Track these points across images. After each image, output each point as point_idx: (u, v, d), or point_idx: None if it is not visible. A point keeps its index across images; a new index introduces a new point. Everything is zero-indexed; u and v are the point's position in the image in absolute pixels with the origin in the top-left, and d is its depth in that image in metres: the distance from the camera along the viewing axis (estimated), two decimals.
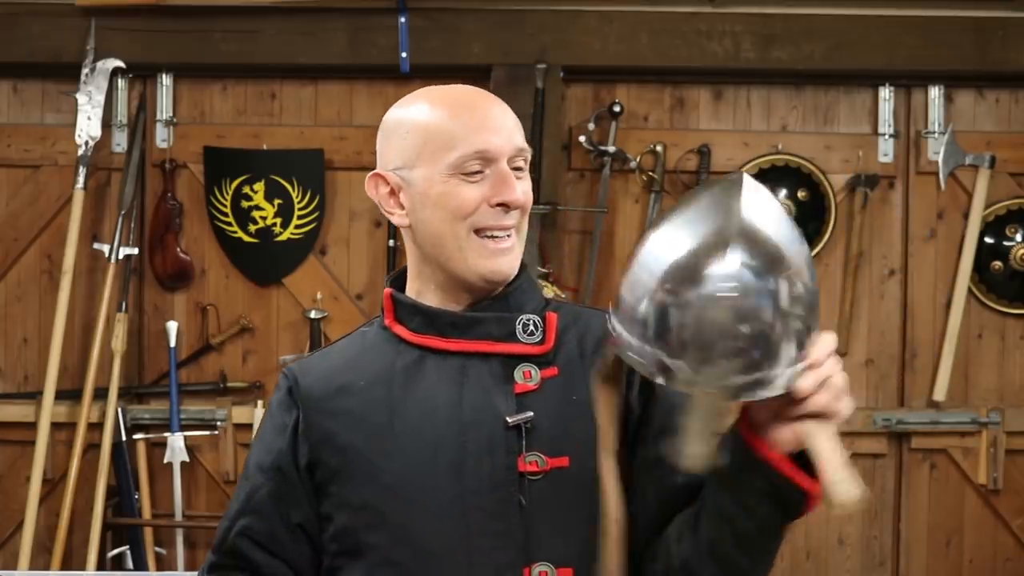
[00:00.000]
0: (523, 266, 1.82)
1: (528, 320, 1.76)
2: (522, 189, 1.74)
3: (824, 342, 1.51)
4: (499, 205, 1.73)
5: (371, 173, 1.81)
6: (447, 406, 1.73)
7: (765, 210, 1.50)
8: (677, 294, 1.47)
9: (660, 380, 1.51)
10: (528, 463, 1.70)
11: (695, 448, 1.51)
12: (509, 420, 1.70)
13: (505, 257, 1.75)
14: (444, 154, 1.73)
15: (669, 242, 1.50)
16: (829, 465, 1.48)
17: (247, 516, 1.79)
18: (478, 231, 1.73)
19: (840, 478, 1.47)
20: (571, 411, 1.72)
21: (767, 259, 1.47)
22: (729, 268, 1.45)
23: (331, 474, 1.74)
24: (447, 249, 1.74)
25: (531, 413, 1.71)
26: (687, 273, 1.47)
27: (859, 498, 1.47)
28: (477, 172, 1.73)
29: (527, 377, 1.74)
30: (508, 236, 1.74)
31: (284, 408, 1.79)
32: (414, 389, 1.75)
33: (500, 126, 1.74)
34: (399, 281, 1.85)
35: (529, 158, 1.78)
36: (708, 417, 1.50)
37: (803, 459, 1.53)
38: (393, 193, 1.78)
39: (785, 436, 1.51)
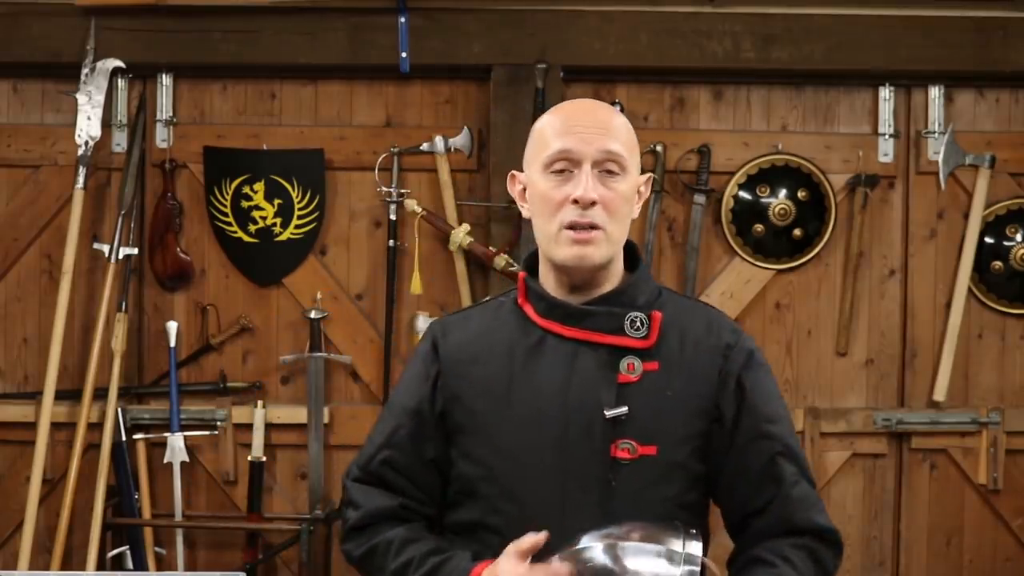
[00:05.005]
0: (639, 264, 2.11)
1: (636, 317, 2.03)
2: (602, 189, 2.00)
3: None
4: (574, 202, 1.99)
5: (511, 172, 2.15)
6: (556, 389, 2.01)
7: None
8: None
9: None
10: (620, 450, 1.99)
11: None
12: (607, 413, 1.98)
13: (586, 247, 2.00)
14: (542, 155, 2.04)
15: None
16: None
17: (389, 449, 2.11)
18: (568, 227, 2.00)
19: None
20: (665, 404, 2.01)
21: None
22: None
23: (457, 427, 2.08)
24: (545, 238, 2.05)
25: (626, 408, 1.98)
26: None
27: None
28: (564, 171, 2.01)
29: (630, 369, 2.01)
30: (588, 230, 2.00)
31: (429, 360, 2.12)
32: (532, 367, 2.04)
33: (587, 130, 2.01)
34: (531, 261, 2.14)
35: (625, 163, 2.02)
36: None
37: None
38: (524, 190, 2.10)
39: None
